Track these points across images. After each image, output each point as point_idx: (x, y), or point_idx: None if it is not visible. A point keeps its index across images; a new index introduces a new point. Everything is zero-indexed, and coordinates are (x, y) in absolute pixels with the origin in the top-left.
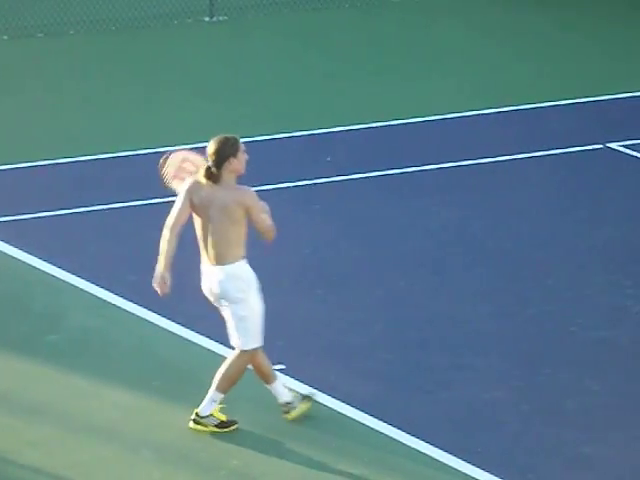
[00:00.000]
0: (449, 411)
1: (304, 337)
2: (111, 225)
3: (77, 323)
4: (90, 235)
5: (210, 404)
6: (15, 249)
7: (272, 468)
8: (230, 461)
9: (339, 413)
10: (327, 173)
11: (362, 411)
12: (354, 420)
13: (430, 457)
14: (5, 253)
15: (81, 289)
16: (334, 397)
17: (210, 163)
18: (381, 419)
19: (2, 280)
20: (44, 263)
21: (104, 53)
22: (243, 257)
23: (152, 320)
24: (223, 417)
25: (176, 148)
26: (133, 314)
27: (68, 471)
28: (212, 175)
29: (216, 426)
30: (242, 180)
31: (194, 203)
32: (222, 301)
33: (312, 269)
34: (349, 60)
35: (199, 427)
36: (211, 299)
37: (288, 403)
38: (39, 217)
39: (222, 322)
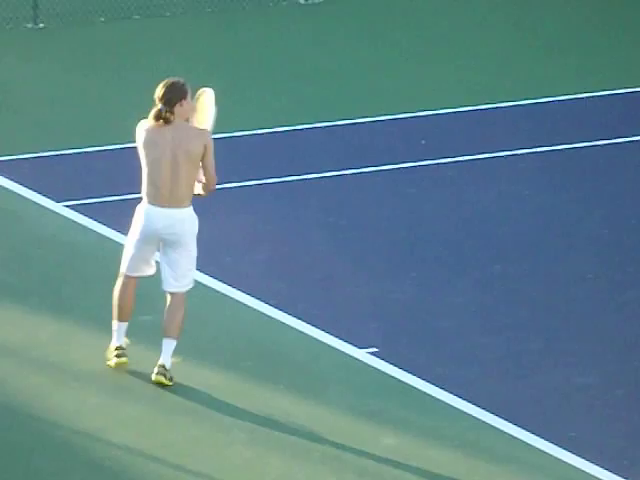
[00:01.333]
0: (542, 395)
1: (397, 320)
2: (206, 206)
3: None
4: None
5: (171, 356)
6: (111, 230)
7: (364, 450)
8: (323, 444)
9: (431, 396)
10: (421, 156)
11: (454, 394)
12: (445, 403)
13: (521, 441)
14: (101, 234)
15: None
16: (426, 380)
17: (161, 106)
18: (472, 402)
19: (97, 261)
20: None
21: (200, 35)
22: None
23: (244, 301)
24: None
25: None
26: (226, 295)
27: (160, 451)
28: (166, 119)
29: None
30: (347, 163)
31: (144, 144)
32: (174, 243)
33: (406, 252)
34: (445, 41)
35: (163, 379)
36: (153, 240)
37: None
38: (136, 198)
39: (315, 303)
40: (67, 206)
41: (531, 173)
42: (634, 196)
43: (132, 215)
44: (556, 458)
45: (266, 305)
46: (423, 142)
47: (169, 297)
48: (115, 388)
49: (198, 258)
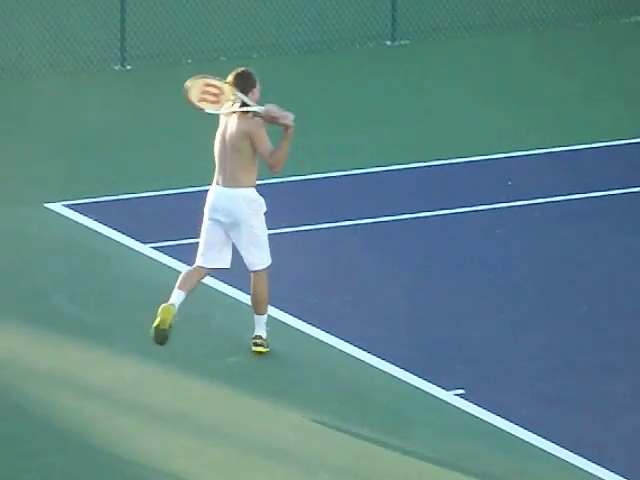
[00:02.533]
0: (629, 437)
1: (484, 361)
2: (292, 247)
3: None
4: (272, 256)
5: (264, 326)
6: None
7: None
8: None
9: (517, 437)
10: (508, 197)
11: (541, 436)
12: (532, 444)
13: None
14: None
15: None
16: (513, 421)
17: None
18: (559, 444)
19: (185, 302)
20: (225, 285)
21: (287, 77)
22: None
23: (331, 342)
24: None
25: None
26: (312, 336)
27: None
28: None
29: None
30: (429, 206)
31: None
32: (237, 223)
33: (494, 293)
34: (529, 84)
35: (261, 349)
36: (226, 221)
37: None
38: None
39: (401, 344)
40: (153, 247)
41: (620, 214)
42: None
43: None
44: None
45: (352, 346)
46: (510, 183)
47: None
48: (200, 429)
49: (283, 298)
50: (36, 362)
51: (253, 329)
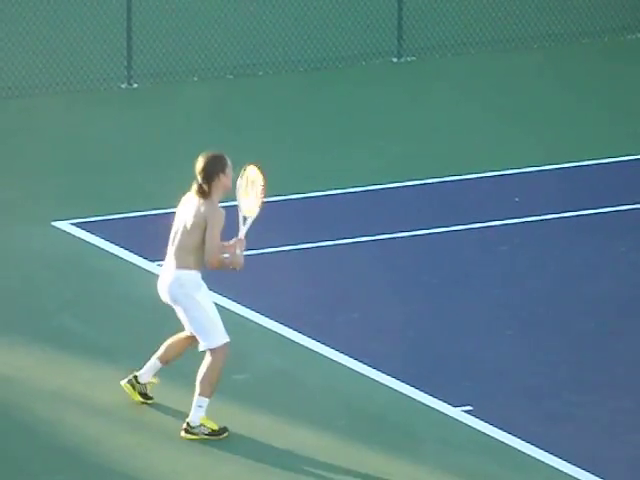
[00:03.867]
0: (638, 454)
1: (492, 378)
2: (299, 265)
3: (263, 363)
4: (278, 275)
5: (198, 411)
6: None
7: None
8: None
9: (526, 454)
10: (514, 214)
11: (549, 452)
12: (541, 461)
13: None
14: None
15: (268, 328)
16: (521, 438)
17: (200, 180)
18: (568, 460)
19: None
20: (232, 303)
21: (293, 94)
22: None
23: (338, 360)
24: (214, 425)
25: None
26: (319, 354)
27: None
28: (203, 192)
29: (208, 435)
30: (435, 222)
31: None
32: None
33: (500, 310)
34: (535, 101)
35: (190, 436)
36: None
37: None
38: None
39: (409, 361)
40: (160, 265)
41: (625, 230)
42: None
43: (223, 274)
44: None
45: (360, 363)
46: (516, 200)
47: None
48: (209, 448)
49: (290, 316)
50: (43, 381)
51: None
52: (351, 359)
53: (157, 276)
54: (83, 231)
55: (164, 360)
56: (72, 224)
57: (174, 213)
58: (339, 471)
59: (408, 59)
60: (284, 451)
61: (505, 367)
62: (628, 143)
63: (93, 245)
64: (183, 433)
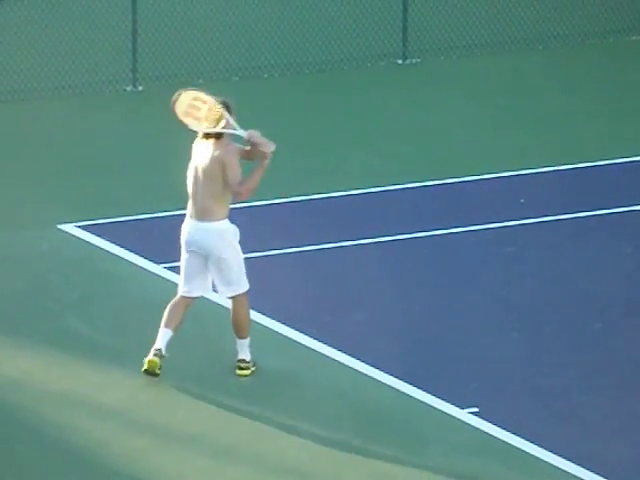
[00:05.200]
0: None
1: (498, 379)
2: (305, 267)
3: (269, 364)
4: (284, 276)
5: (247, 349)
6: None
7: None
8: None
9: (533, 455)
10: (521, 215)
11: (556, 453)
12: (547, 462)
13: None
14: (201, 296)
15: (273, 330)
16: (528, 439)
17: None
18: (575, 462)
19: (197, 321)
20: None
21: (298, 96)
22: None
23: (343, 361)
24: None
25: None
26: (325, 355)
27: None
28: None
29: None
30: (441, 224)
31: None
32: (212, 255)
33: (507, 311)
34: (539, 102)
35: (245, 372)
36: (201, 252)
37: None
38: None
39: (415, 362)
40: (167, 268)
41: (632, 230)
42: None
43: None
44: None
45: (366, 365)
46: (522, 201)
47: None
48: (215, 449)
49: (296, 318)
50: (50, 383)
51: (236, 353)
52: (357, 360)
53: (163, 278)
54: (89, 234)
55: (173, 327)
56: (78, 227)
57: (182, 215)
58: (345, 473)
59: (413, 61)
60: (291, 451)
61: (511, 368)
62: (633, 144)
63: (99, 248)
64: (238, 370)
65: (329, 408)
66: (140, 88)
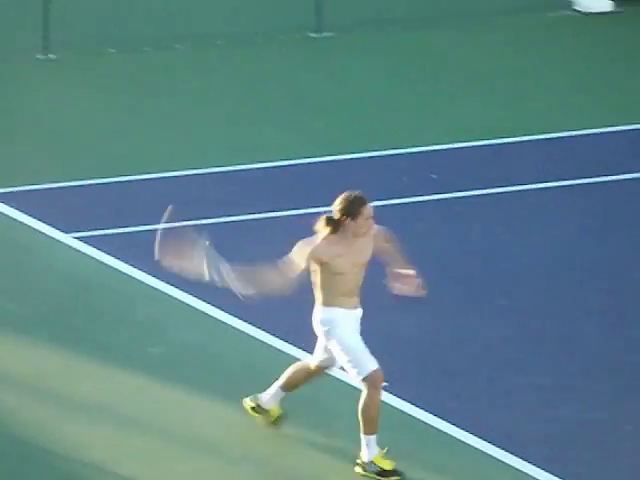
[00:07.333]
0: (550, 431)
1: (407, 354)
2: (213, 239)
3: (178, 336)
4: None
5: (367, 449)
6: (119, 262)
7: None
8: (331, 476)
9: (439, 430)
10: (431, 191)
11: (462, 428)
12: (454, 437)
13: (530, 476)
14: (110, 266)
15: (183, 302)
16: (435, 414)
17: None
18: (480, 437)
19: (106, 292)
20: (147, 276)
21: (210, 68)
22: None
23: (252, 333)
24: (387, 465)
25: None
26: (234, 327)
27: None
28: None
29: (377, 474)
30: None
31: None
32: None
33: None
34: (451, 78)
35: (363, 472)
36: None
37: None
38: (144, 230)
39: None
40: (76, 238)
41: (540, 208)
42: None
43: (140, 246)
44: None
45: (275, 337)
46: (434, 177)
47: None
48: (123, 420)
49: (203, 288)
50: None
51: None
52: (265, 333)
53: (73, 248)
54: None
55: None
56: None
57: (92, 185)
58: (252, 444)
59: (327, 34)
60: (199, 424)
61: (420, 344)
62: (546, 120)
63: (7, 216)
64: (358, 469)
65: (237, 380)
66: (51, 56)
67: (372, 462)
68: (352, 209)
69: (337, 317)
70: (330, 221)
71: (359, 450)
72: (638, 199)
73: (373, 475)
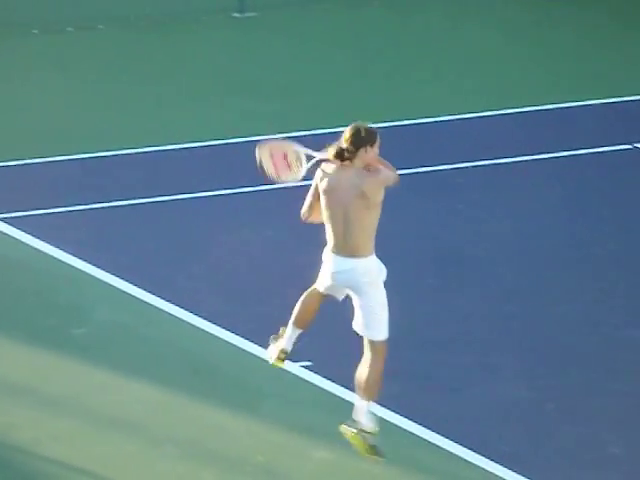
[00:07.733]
0: (475, 409)
1: (330, 333)
2: (140, 220)
3: (103, 317)
4: (118, 230)
5: (372, 418)
6: (43, 243)
7: (297, 465)
8: (255, 457)
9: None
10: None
11: (387, 408)
12: (379, 417)
13: (455, 455)
14: (33, 247)
15: (108, 283)
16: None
17: (346, 146)
18: (406, 416)
19: (30, 274)
20: (72, 257)
21: (133, 48)
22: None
23: (178, 315)
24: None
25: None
26: (159, 309)
27: (91, 464)
28: (345, 157)
29: (372, 447)
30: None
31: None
32: (355, 291)
33: None
34: (377, 58)
35: (357, 441)
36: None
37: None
38: (68, 211)
39: (245, 317)
40: (1, 219)
41: (467, 188)
42: (564, 211)
43: (66, 228)
44: (489, 472)
45: (201, 319)
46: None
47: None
48: (48, 401)
49: (131, 270)
50: None
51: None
52: (192, 314)
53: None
54: None
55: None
56: None
57: (15, 166)
58: (176, 426)
59: (250, 14)
60: (123, 406)
61: (344, 323)
62: (458, 101)
63: None
64: (350, 431)
65: (163, 362)
66: None
67: (373, 434)
68: (374, 136)
69: (383, 268)
70: (346, 151)
71: (336, 422)
72: (558, 179)
73: (367, 446)
